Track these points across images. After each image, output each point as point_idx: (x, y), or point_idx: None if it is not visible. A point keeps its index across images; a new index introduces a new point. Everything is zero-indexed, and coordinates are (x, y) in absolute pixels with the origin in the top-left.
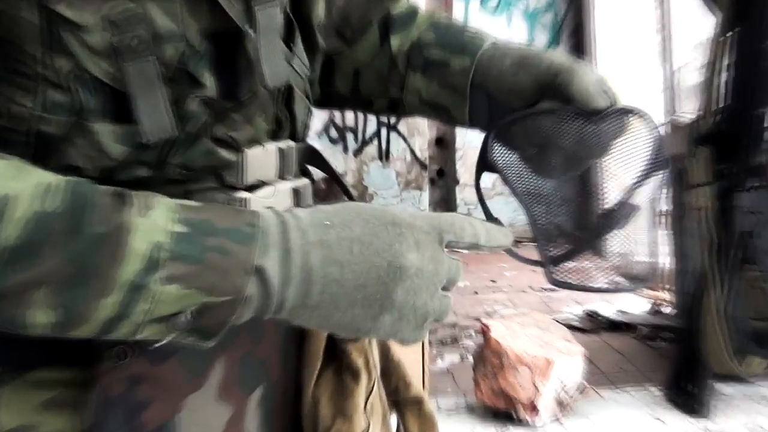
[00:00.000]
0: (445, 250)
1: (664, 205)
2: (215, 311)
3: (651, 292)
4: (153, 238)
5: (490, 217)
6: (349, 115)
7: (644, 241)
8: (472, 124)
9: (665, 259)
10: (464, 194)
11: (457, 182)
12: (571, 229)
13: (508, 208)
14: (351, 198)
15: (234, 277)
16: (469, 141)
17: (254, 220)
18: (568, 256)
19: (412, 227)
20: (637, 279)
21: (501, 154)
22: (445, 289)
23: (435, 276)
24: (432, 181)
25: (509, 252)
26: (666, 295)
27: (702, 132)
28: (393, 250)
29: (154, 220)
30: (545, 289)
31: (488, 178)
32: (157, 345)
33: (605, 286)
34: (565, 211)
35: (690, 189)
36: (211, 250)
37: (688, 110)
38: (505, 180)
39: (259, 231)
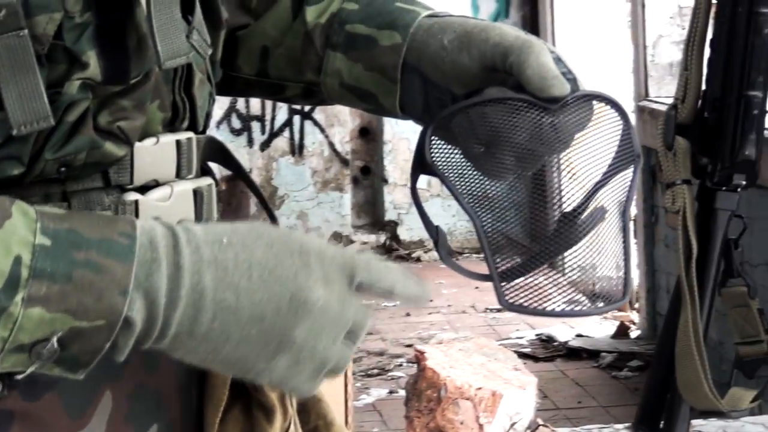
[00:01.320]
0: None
1: (633, 209)
2: (86, 338)
3: (616, 313)
4: (11, 252)
5: (428, 224)
6: (255, 102)
7: (611, 251)
8: (404, 114)
9: (634, 274)
10: (394, 196)
11: (385, 182)
12: (525, 238)
13: (446, 212)
14: (263, 201)
15: (108, 298)
16: (399, 132)
17: (130, 230)
18: (520, 271)
19: (322, 259)
20: (603, 298)
21: (441, 151)
22: (346, 338)
23: (341, 318)
24: (355, 181)
25: (451, 264)
26: (634, 316)
27: (679, 120)
28: (298, 282)
29: (12, 231)
30: (490, 310)
31: (423, 177)
32: (19, 377)
33: (565, 308)
34: (518, 218)
35: (665, 189)
36: (81, 266)
37: (663, 95)
38: (446, 183)
39: (136, 243)
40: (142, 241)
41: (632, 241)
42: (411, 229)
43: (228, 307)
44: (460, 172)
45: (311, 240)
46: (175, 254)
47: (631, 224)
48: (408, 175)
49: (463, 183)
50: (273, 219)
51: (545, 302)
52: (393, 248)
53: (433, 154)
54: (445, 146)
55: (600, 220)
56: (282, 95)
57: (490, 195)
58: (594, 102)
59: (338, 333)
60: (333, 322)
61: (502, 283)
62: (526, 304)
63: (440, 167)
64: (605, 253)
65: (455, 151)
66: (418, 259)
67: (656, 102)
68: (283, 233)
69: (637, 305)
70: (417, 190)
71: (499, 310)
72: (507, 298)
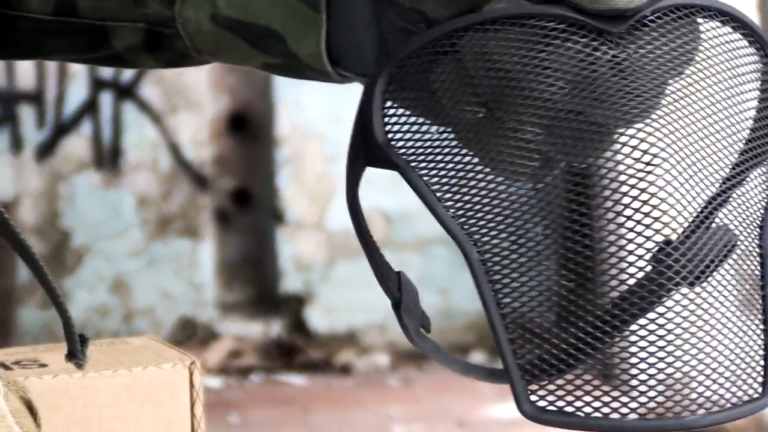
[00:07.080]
0: None
1: None
2: None
3: None
4: None
5: (382, 270)
6: (24, 68)
7: (736, 314)
8: (337, 67)
9: None
10: (298, 246)
11: (279, 218)
12: (572, 303)
13: (437, 263)
14: (36, 266)
15: None
16: (306, 123)
17: None
18: (558, 363)
19: None
20: (721, 397)
21: (404, 124)
22: None
23: None
24: (223, 218)
25: (429, 348)
26: None
27: None
28: None
29: None
30: None
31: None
32: None
33: (646, 415)
34: (556, 260)
35: None
36: None
37: None
38: (414, 182)
39: None
40: None
41: None
42: (331, 311)
43: None
44: (441, 161)
45: None
46: None
47: None
48: (323, 207)
49: (447, 183)
50: (55, 300)
51: (606, 405)
52: (295, 347)
53: (389, 129)
54: (411, 114)
55: (720, 261)
56: (104, 50)
57: (503, 209)
58: (700, 20)
59: None
60: None
61: (529, 378)
62: (568, 409)
63: (403, 153)
64: (727, 316)
65: (431, 123)
66: (345, 370)
67: None
68: None
69: None
70: (359, 206)
71: None
72: (533, 400)
